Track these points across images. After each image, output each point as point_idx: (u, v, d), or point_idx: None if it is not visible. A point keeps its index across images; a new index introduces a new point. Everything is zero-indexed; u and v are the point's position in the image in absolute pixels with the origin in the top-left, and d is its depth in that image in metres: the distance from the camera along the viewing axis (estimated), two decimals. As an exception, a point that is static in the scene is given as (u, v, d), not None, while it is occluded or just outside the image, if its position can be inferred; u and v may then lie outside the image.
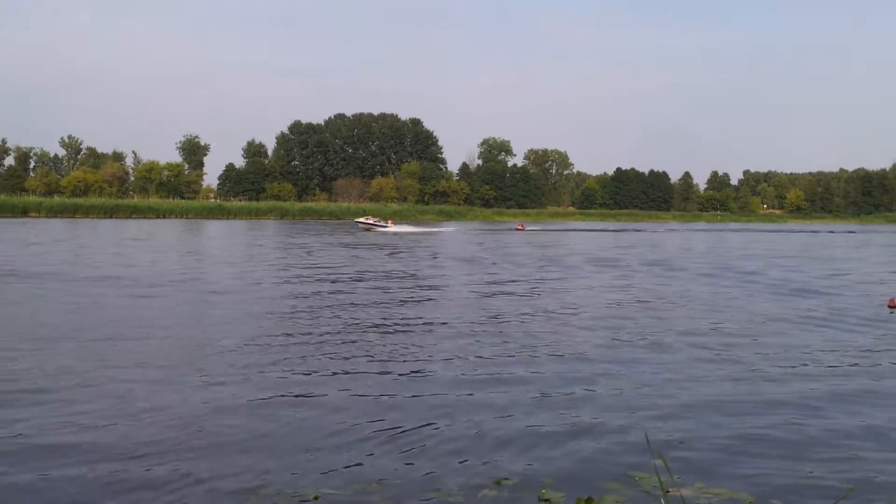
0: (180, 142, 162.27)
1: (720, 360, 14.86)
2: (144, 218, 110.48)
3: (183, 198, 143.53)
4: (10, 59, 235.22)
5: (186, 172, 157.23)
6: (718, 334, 17.92)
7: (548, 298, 24.62)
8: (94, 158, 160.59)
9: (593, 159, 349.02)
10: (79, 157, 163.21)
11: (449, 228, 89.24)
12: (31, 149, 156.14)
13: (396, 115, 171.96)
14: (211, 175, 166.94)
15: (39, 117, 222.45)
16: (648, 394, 12.03)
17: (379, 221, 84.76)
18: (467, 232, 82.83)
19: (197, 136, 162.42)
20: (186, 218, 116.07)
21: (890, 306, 22.52)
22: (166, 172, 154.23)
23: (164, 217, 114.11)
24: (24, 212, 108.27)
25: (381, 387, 12.31)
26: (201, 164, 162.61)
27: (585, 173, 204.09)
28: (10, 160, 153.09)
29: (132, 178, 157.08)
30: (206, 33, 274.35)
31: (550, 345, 16.10)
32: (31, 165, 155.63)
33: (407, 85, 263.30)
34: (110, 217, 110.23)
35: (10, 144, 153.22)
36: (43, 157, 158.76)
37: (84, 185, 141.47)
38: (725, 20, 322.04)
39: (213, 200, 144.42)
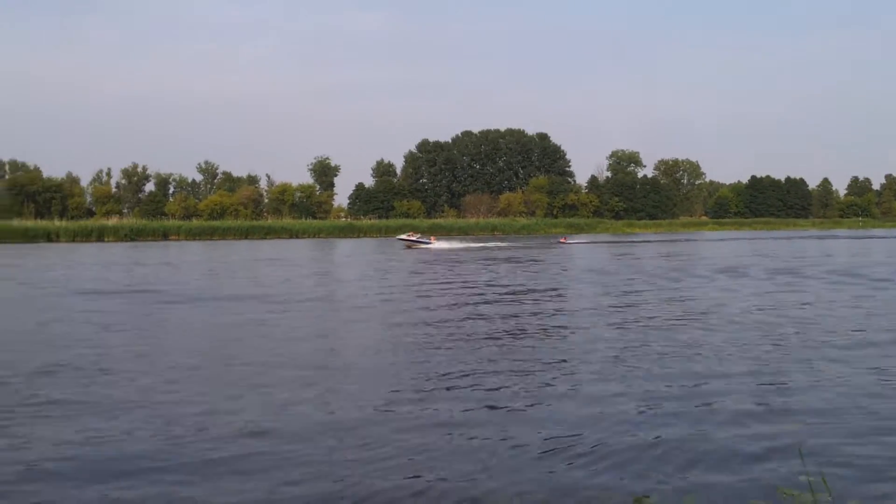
0: (311, 163, 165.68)
1: None
2: (278, 238, 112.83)
3: (315, 218, 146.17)
4: (149, 88, 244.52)
5: (318, 193, 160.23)
6: None
7: (700, 304, 23.62)
8: (230, 182, 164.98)
9: (726, 168, 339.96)
10: (215, 181, 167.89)
11: (501, 244, 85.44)
12: (171, 175, 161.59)
13: (523, 130, 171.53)
14: (341, 195, 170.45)
15: (177, 145, 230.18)
16: (818, 408, 11.10)
17: (422, 238, 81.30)
18: (524, 247, 77.34)
19: (328, 158, 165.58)
20: (318, 237, 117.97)
21: None
22: (298, 194, 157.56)
23: (297, 237, 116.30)
24: (164, 235, 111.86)
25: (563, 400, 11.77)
26: (332, 185, 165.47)
27: (718, 182, 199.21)
28: (150, 186, 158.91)
29: (266, 200, 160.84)
30: (328, 55, 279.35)
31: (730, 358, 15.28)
32: (171, 191, 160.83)
33: (533, 99, 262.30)
34: (245, 238, 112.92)
35: (150, 171, 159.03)
36: (181, 183, 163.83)
37: (220, 208, 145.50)
38: (854, 21, 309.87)
39: (343, 219, 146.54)
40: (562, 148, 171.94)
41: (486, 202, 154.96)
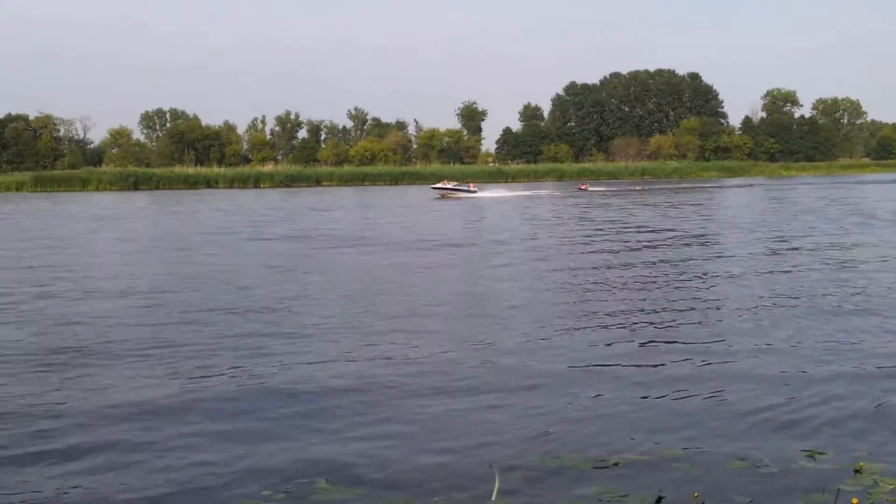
0: (459, 108, 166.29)
1: None
2: (426, 184, 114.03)
3: (463, 163, 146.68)
4: (301, 33, 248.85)
5: (465, 138, 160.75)
6: None
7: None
8: (380, 128, 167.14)
9: (890, 106, 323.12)
10: (365, 127, 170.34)
11: (541, 192, 78.00)
12: (322, 121, 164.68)
13: (673, 71, 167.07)
14: (489, 140, 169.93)
15: (328, 91, 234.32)
16: None
17: (460, 185, 72.40)
18: (586, 193, 73.06)
19: (475, 102, 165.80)
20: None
21: None
22: (446, 139, 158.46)
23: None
24: (317, 181, 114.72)
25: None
26: (479, 130, 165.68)
27: (881, 122, 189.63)
28: (303, 133, 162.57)
29: (414, 146, 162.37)
30: (466, 1, 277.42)
31: None
32: (322, 137, 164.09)
33: (683, 38, 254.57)
34: (395, 184, 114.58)
35: (302, 118, 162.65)
36: (332, 129, 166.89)
37: (370, 154, 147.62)
38: None
39: (491, 164, 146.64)
40: (714, 88, 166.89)
41: (636, 145, 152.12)
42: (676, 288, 17.55)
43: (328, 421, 8.84)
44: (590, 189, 78.36)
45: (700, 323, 13.67)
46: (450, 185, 70.98)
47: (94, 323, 14.22)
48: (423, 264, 22.77)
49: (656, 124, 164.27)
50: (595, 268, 21.20)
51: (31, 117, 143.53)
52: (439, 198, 67.23)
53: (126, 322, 14.40)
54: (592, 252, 24.95)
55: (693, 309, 14.87)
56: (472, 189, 69.99)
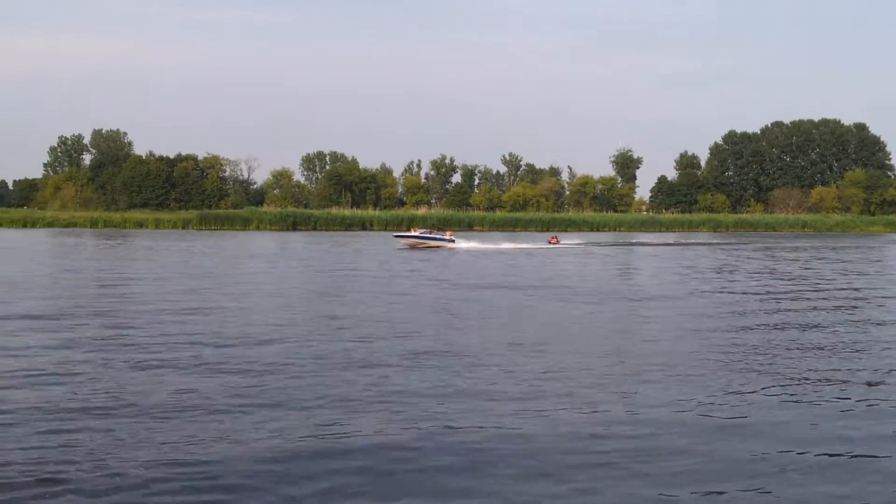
0: (614, 156, 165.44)
1: None
2: (579, 231, 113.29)
3: (615, 210, 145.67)
4: (454, 82, 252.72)
5: (619, 185, 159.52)
6: None
7: None
8: (533, 174, 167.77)
9: None
10: (518, 173, 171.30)
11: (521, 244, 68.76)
12: (476, 166, 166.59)
13: (838, 121, 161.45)
14: (643, 188, 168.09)
15: (483, 137, 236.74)
16: None
17: (433, 233, 64.51)
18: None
19: (630, 150, 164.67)
20: (619, 230, 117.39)
21: None
22: (600, 186, 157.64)
23: (597, 230, 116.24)
24: (469, 225, 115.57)
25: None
26: (634, 177, 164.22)
27: None
28: (457, 177, 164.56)
29: (567, 193, 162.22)
30: (628, 46, 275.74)
31: None
32: (476, 182, 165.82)
33: (850, 88, 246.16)
34: (546, 230, 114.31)
35: (457, 163, 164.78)
36: (486, 174, 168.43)
37: (523, 199, 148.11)
38: None
39: (645, 213, 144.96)
40: (882, 139, 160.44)
41: (796, 197, 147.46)
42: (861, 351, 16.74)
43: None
44: (561, 243, 68.63)
45: None
46: (417, 233, 62.86)
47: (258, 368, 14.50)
48: (578, 315, 22.36)
49: (819, 175, 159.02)
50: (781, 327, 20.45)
51: (200, 157, 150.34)
52: (406, 248, 59.46)
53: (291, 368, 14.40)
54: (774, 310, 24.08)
55: None
56: (448, 238, 62.12)
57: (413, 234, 62.96)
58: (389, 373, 13.86)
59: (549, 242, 67.73)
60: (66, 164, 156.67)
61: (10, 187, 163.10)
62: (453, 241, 61.36)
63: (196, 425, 10.46)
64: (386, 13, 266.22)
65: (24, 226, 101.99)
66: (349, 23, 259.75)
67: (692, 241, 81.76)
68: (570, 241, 73.62)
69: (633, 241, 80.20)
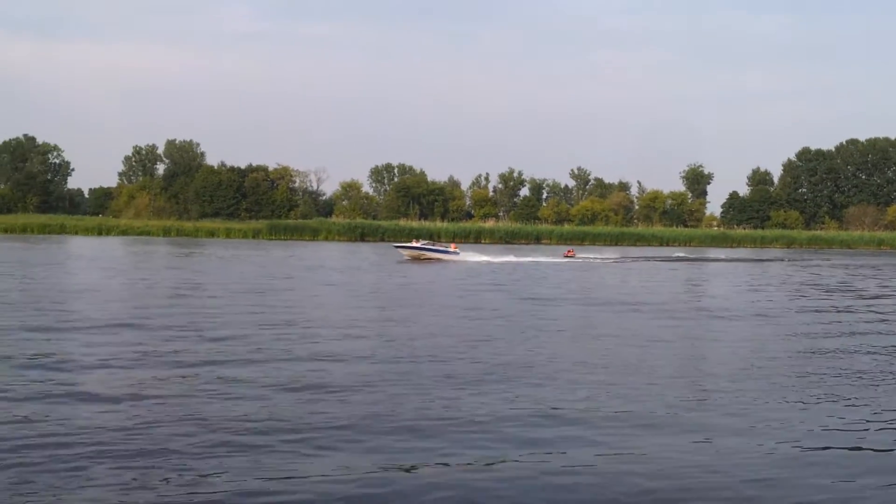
0: (684, 171, 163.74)
1: None
2: (648, 245, 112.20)
3: (685, 226, 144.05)
4: (528, 95, 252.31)
5: (689, 201, 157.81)
6: None
7: None
8: (601, 188, 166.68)
9: None
10: (587, 187, 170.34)
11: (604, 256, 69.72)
12: (544, 180, 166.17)
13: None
14: (714, 203, 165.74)
15: (551, 151, 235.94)
16: None
17: (436, 245, 62.87)
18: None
19: (701, 165, 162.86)
20: (689, 246, 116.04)
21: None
22: (670, 201, 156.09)
23: (666, 245, 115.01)
24: (537, 239, 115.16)
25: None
26: (704, 193, 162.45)
27: None
28: (524, 191, 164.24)
29: (636, 207, 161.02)
30: (698, 61, 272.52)
31: None
32: (544, 195, 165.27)
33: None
34: (616, 244, 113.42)
35: (525, 176, 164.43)
36: (554, 188, 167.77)
37: (591, 213, 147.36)
38: None
39: (716, 228, 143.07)
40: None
41: (872, 214, 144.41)
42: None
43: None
44: (577, 256, 66.81)
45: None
46: (419, 245, 60.59)
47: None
48: (677, 333, 21.70)
49: (895, 193, 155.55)
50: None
51: (271, 168, 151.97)
52: (408, 260, 57.91)
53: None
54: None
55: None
56: (452, 250, 60.34)
57: (414, 245, 60.72)
58: (466, 393, 13.58)
59: (566, 256, 66.11)
60: (140, 173, 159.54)
61: (86, 195, 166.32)
62: (458, 253, 59.61)
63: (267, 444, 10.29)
64: (455, 27, 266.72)
65: (99, 234, 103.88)
66: (419, 35, 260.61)
67: (737, 257, 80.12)
68: (586, 254, 72.16)
69: (672, 255, 78.57)
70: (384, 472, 9.01)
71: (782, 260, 73.71)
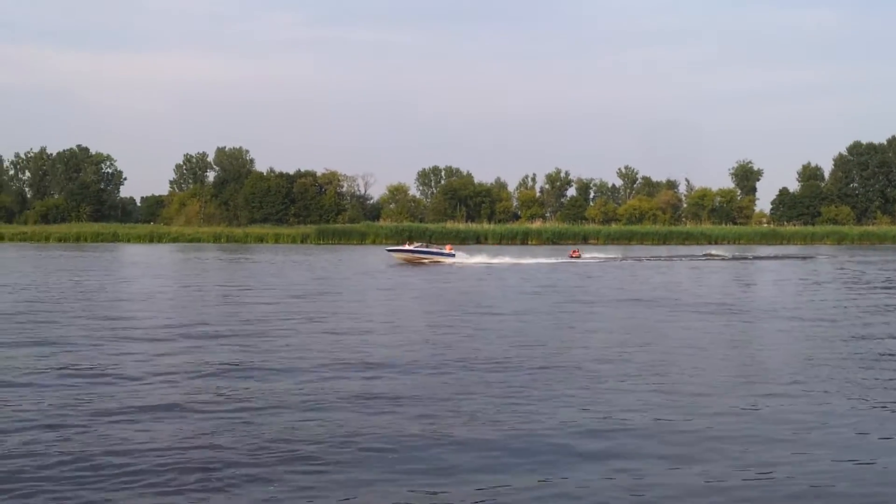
0: (732, 168, 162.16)
1: None
2: (696, 244, 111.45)
3: (735, 223, 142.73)
4: (572, 93, 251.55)
5: (738, 198, 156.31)
6: None
7: None
8: (649, 187, 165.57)
9: None
10: (634, 186, 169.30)
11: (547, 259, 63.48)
12: (591, 180, 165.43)
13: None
14: (763, 200, 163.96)
15: (598, 151, 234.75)
16: None
17: (430, 248, 61.59)
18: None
19: (750, 162, 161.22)
20: (739, 243, 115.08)
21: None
22: (718, 198, 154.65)
23: (715, 242, 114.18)
24: (584, 239, 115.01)
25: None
26: (753, 190, 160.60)
27: None
28: (571, 191, 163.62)
29: (685, 205, 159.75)
30: (746, 57, 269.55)
31: None
32: (591, 195, 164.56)
33: None
34: (663, 243, 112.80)
35: (572, 176, 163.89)
36: (601, 188, 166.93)
37: (639, 212, 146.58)
38: None
39: (765, 225, 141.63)
40: None
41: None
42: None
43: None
44: (583, 257, 65.54)
45: None
46: (413, 248, 59.83)
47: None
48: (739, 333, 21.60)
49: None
50: None
51: (318, 174, 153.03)
52: (402, 263, 56.42)
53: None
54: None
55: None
56: (447, 252, 58.95)
57: (408, 248, 59.93)
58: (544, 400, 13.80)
59: (571, 256, 65.05)
60: (190, 181, 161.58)
61: (138, 204, 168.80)
62: (453, 255, 58.36)
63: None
64: (499, 31, 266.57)
65: (151, 241, 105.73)
66: (463, 41, 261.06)
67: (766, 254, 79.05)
68: (594, 254, 70.94)
69: (678, 254, 77.47)
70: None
71: (812, 257, 71.44)
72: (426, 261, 56.96)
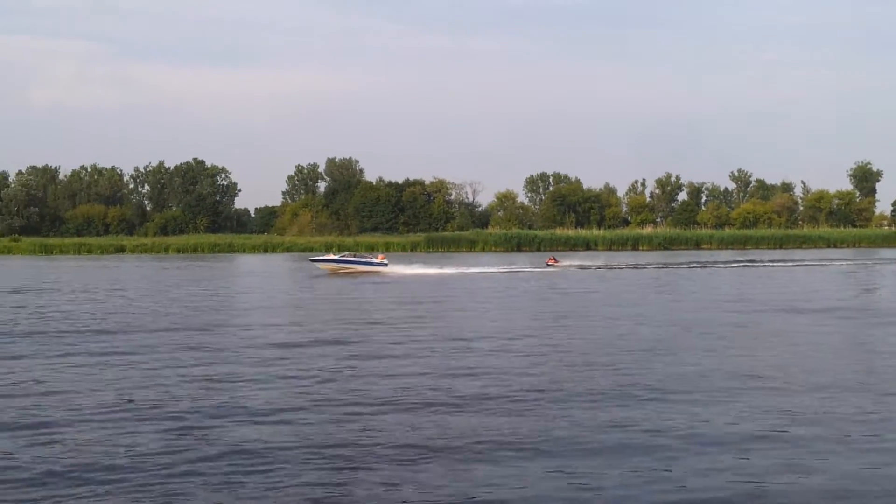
0: (851, 169, 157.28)
1: None
2: (813, 247, 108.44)
3: (854, 226, 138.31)
4: (682, 96, 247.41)
5: (857, 200, 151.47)
6: None
7: None
8: (763, 190, 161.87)
9: None
10: (748, 189, 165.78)
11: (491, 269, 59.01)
12: (703, 184, 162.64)
13: None
14: (884, 202, 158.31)
15: (710, 154, 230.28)
16: None
17: (359, 257, 58.50)
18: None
19: (869, 162, 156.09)
20: (858, 247, 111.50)
21: None
22: (836, 201, 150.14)
23: (834, 246, 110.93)
24: (696, 244, 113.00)
25: None
26: (873, 191, 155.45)
27: None
28: (682, 195, 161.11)
29: (801, 208, 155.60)
30: (862, 57, 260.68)
31: None
32: (703, 200, 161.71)
33: None
34: (779, 247, 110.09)
35: (683, 181, 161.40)
36: (714, 192, 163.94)
37: (753, 216, 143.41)
38: None
39: (886, 228, 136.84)
40: None
41: None
42: None
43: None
44: (560, 264, 62.55)
45: None
46: (338, 257, 56.98)
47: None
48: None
49: None
50: None
51: (427, 182, 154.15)
52: (330, 274, 53.34)
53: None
54: None
55: None
56: (380, 261, 55.59)
57: (333, 257, 57.18)
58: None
59: (548, 264, 62.39)
60: (302, 191, 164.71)
61: (252, 215, 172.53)
62: (385, 264, 55.03)
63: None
64: (604, 32, 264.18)
65: (265, 251, 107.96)
66: (569, 45, 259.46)
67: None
68: (569, 261, 66.94)
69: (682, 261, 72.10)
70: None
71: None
72: (356, 271, 54.19)
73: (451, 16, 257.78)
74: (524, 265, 64.03)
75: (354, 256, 58.01)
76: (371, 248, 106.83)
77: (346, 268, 54.66)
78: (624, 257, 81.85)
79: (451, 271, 55.53)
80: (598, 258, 76.09)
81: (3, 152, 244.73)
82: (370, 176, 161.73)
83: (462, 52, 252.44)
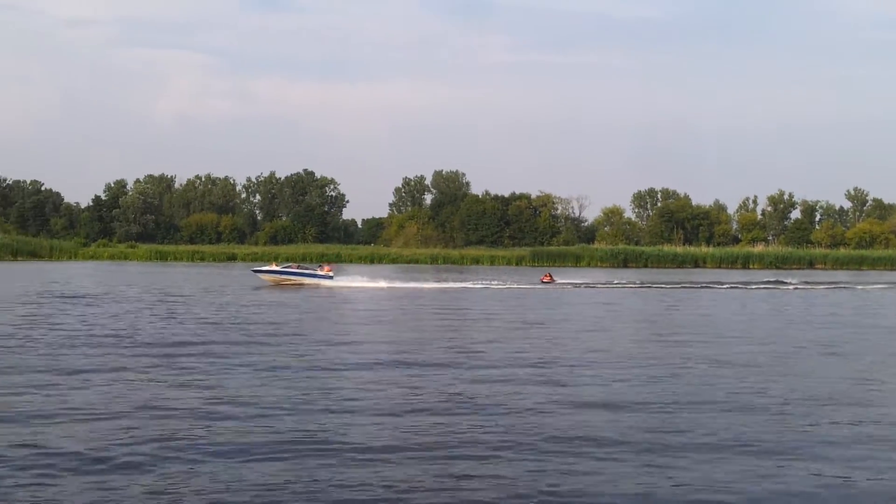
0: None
1: None
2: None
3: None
4: (795, 111, 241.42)
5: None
6: None
7: None
8: (881, 209, 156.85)
9: None
10: (864, 208, 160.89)
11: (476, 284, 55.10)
12: (817, 202, 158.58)
13: None
14: None
15: (825, 171, 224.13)
16: None
17: (302, 268, 56.02)
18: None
19: None
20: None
21: None
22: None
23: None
24: (810, 263, 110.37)
25: None
26: None
27: None
28: (796, 213, 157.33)
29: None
30: None
31: None
32: (817, 218, 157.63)
33: None
34: (894, 269, 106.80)
35: (796, 198, 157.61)
36: (828, 210, 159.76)
37: (869, 236, 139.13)
38: None
39: None
40: None
41: None
42: None
43: None
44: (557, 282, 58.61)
45: None
46: (279, 268, 54.54)
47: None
48: None
49: None
50: None
51: (533, 196, 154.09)
52: (272, 285, 51.15)
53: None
54: None
55: None
56: (324, 273, 53.21)
57: (274, 268, 54.71)
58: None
59: (542, 281, 58.74)
60: (409, 203, 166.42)
61: (359, 226, 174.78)
62: (331, 277, 52.89)
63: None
64: (712, 46, 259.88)
65: (372, 262, 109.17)
66: (679, 60, 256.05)
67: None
68: (565, 279, 62.49)
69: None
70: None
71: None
72: (299, 283, 52.26)
73: (550, 31, 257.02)
74: (521, 282, 59.63)
75: (298, 268, 56.09)
76: (476, 261, 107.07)
77: (288, 279, 53.07)
78: (628, 274, 78.90)
79: (409, 285, 53.12)
80: (596, 275, 73.23)
81: (124, 161, 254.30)
82: (476, 189, 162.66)
83: (562, 65, 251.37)
